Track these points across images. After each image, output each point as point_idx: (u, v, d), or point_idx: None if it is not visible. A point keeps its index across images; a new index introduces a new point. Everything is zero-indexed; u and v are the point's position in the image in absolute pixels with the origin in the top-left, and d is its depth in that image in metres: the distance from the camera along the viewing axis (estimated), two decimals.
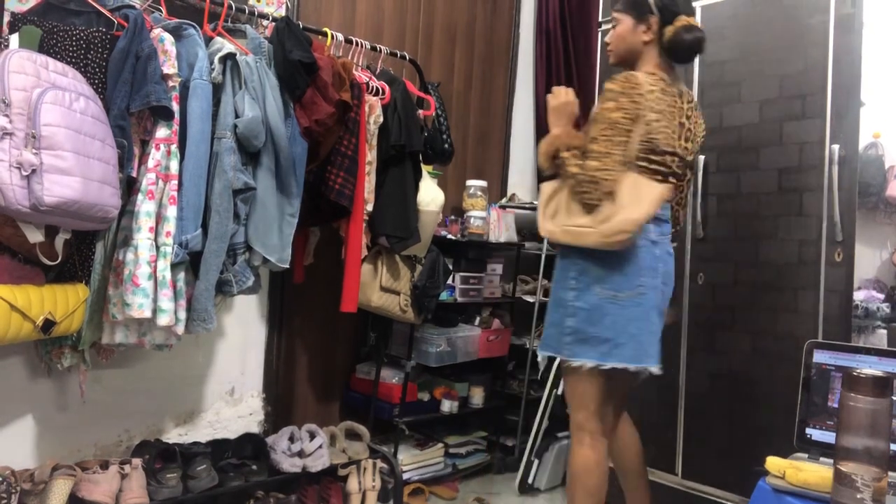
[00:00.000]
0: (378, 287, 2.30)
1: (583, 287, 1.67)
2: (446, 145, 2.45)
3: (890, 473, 1.12)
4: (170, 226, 1.67)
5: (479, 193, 2.88)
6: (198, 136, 1.72)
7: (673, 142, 1.68)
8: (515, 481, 2.76)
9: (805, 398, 1.58)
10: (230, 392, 2.36)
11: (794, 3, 2.09)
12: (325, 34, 2.18)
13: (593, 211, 1.61)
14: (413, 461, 2.59)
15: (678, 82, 1.77)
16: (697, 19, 2.34)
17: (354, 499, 2.27)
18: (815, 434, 1.55)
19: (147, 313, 1.61)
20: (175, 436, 2.19)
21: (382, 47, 2.38)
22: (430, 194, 2.36)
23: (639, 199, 1.59)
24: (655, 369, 1.66)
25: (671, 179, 1.70)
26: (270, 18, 2.03)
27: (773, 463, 1.43)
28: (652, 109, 1.63)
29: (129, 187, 1.67)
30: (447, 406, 2.73)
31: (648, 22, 1.71)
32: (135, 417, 2.11)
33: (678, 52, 1.73)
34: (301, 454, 2.15)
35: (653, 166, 1.66)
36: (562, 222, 1.68)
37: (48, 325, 1.52)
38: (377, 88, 2.22)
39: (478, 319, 2.93)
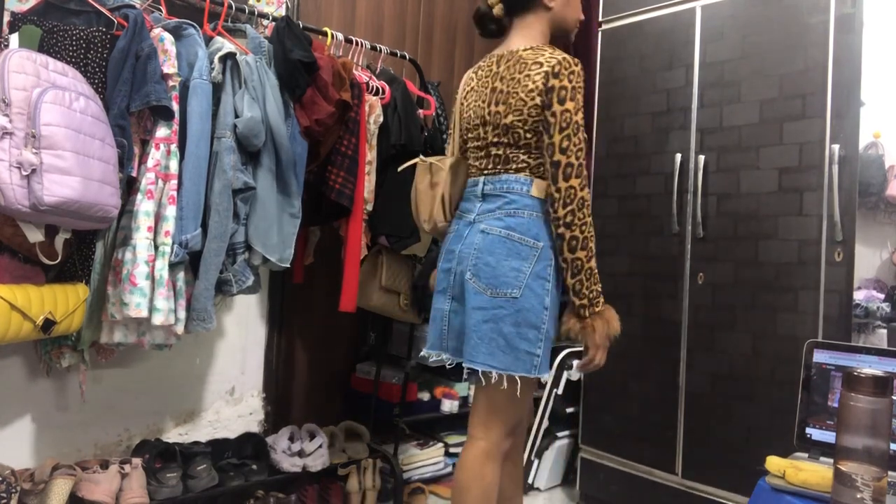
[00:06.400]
0: (378, 286, 2.30)
1: None
2: (446, 145, 2.45)
3: (890, 473, 1.12)
4: (168, 225, 1.67)
5: None
6: (197, 135, 1.72)
7: (482, 111, 1.63)
8: None
9: (805, 398, 1.58)
10: (230, 392, 2.36)
11: (794, 3, 2.09)
12: (325, 34, 2.18)
13: None
14: (413, 461, 2.59)
15: (510, 47, 1.67)
16: (697, 19, 2.35)
17: (354, 498, 2.27)
18: (815, 434, 1.55)
19: (144, 313, 1.61)
20: (175, 435, 2.19)
21: (382, 47, 2.38)
22: None
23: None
24: (427, 353, 1.69)
25: (494, 150, 1.61)
26: (270, 18, 2.03)
27: (772, 463, 1.43)
28: (462, 94, 1.74)
29: (129, 187, 1.67)
30: (447, 406, 2.73)
31: None
32: (135, 417, 2.11)
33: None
34: (301, 454, 2.15)
35: (473, 144, 1.68)
36: None
37: (48, 324, 1.52)
38: (377, 88, 2.22)
39: None
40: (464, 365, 1.56)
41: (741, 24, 2.21)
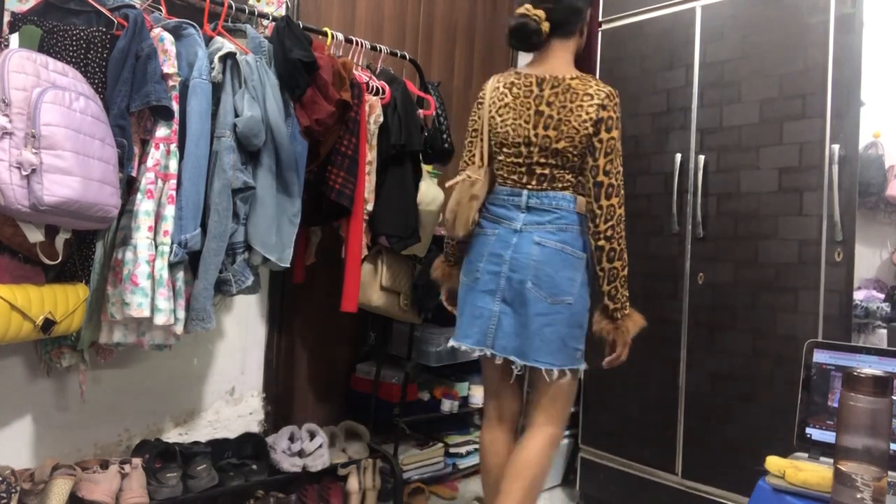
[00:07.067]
0: (378, 287, 2.30)
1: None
2: (446, 145, 2.45)
3: (890, 473, 1.12)
4: (168, 225, 1.67)
5: None
6: (197, 135, 1.72)
7: (526, 132, 1.75)
8: None
9: (805, 398, 1.58)
10: (230, 392, 2.36)
11: (794, 3, 2.09)
12: (325, 33, 2.17)
13: (451, 206, 1.81)
14: (413, 461, 2.59)
15: (550, 69, 1.76)
16: (697, 19, 2.35)
17: (354, 498, 2.27)
18: (815, 434, 1.55)
19: (146, 312, 1.61)
20: (175, 435, 2.19)
21: (382, 47, 2.38)
22: (430, 194, 2.36)
23: (450, 195, 1.82)
24: (469, 348, 1.78)
25: (539, 170, 1.76)
26: (270, 18, 2.03)
27: (773, 463, 1.43)
28: (493, 106, 1.79)
29: (129, 187, 1.67)
30: (447, 406, 2.73)
31: None
32: (135, 417, 2.11)
33: (508, 41, 1.82)
34: (301, 454, 2.15)
35: (510, 159, 1.78)
36: None
37: (48, 324, 1.52)
38: (377, 88, 2.22)
39: None
40: (525, 364, 1.72)
41: (741, 24, 2.21)
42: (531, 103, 1.75)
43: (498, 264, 1.75)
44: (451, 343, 1.85)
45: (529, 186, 1.77)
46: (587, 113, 1.70)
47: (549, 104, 1.73)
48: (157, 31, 1.69)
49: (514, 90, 1.77)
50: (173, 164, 1.68)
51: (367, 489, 2.30)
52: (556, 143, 1.72)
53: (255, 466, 2.04)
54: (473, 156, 1.86)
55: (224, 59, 1.78)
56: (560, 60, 1.79)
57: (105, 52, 1.60)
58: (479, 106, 1.85)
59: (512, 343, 1.74)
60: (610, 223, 1.70)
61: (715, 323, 2.24)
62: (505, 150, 1.79)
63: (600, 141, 1.70)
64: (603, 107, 1.70)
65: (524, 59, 3.36)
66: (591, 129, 1.70)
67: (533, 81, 1.76)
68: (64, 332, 1.61)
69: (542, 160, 1.74)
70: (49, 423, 1.93)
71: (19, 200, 1.33)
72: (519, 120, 1.75)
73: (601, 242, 1.71)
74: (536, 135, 1.73)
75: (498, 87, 1.81)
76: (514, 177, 1.78)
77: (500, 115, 1.78)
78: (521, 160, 1.77)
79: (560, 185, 1.75)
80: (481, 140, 1.84)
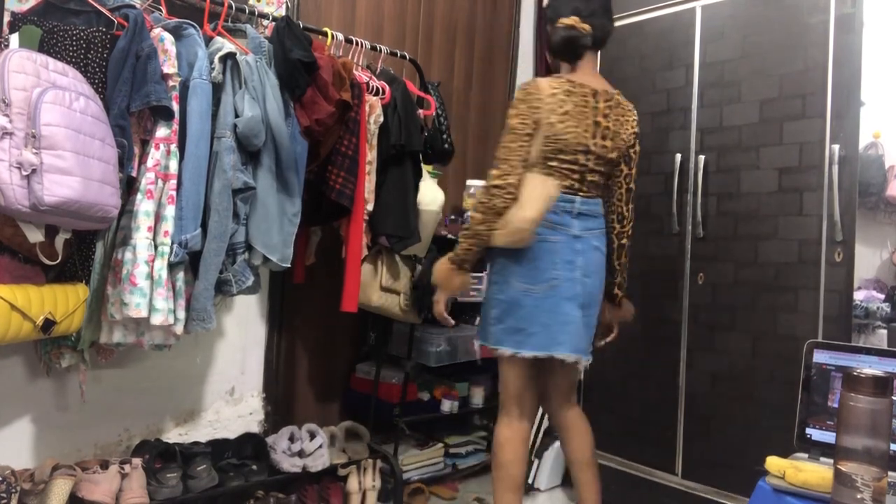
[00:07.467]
0: (378, 287, 2.30)
1: (503, 281, 1.83)
2: (446, 145, 2.45)
3: (890, 473, 1.12)
4: (168, 225, 1.67)
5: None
6: (197, 135, 1.71)
7: (585, 140, 1.80)
8: None
9: (805, 398, 1.58)
10: (230, 392, 2.36)
11: (794, 3, 2.09)
12: (325, 34, 2.17)
13: (488, 212, 1.75)
14: (413, 461, 2.59)
15: (594, 81, 1.87)
16: (697, 19, 2.35)
17: (354, 499, 2.27)
18: (815, 434, 1.55)
19: (144, 313, 1.61)
20: (175, 435, 2.19)
21: (382, 47, 2.38)
22: (430, 194, 2.36)
23: (532, 198, 1.75)
24: (566, 356, 1.78)
25: (590, 177, 1.83)
26: (270, 18, 2.03)
27: (773, 463, 1.43)
28: (553, 112, 1.76)
29: (129, 187, 1.66)
30: (447, 406, 2.73)
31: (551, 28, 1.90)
32: (135, 417, 2.11)
33: (554, 51, 1.89)
34: (301, 454, 2.15)
35: (564, 166, 1.80)
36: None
37: (48, 324, 1.52)
38: (377, 88, 2.22)
39: (478, 319, 2.92)
40: (575, 356, 1.80)
41: (741, 24, 2.21)
42: (589, 113, 1.81)
43: (572, 270, 1.79)
44: (534, 353, 1.78)
45: (581, 193, 1.83)
46: (632, 127, 1.90)
47: (605, 116, 1.83)
48: (157, 31, 1.69)
49: (573, 98, 1.79)
50: (173, 165, 1.68)
51: (367, 489, 2.30)
52: (611, 153, 1.85)
53: (255, 466, 2.04)
54: (524, 158, 1.77)
55: (224, 59, 1.78)
56: (596, 73, 1.92)
57: (105, 52, 1.59)
58: (535, 110, 1.77)
59: (583, 343, 1.84)
60: (631, 223, 1.95)
61: (715, 323, 2.24)
62: (561, 156, 1.79)
63: (636, 152, 1.92)
64: (638, 122, 1.92)
65: (523, 60, 3.39)
66: (632, 141, 1.90)
67: (588, 92, 1.82)
68: (64, 332, 1.61)
69: (595, 167, 1.83)
70: (49, 423, 1.92)
71: (19, 200, 1.33)
72: (579, 128, 1.79)
73: (624, 241, 1.94)
74: (595, 144, 1.81)
75: (555, 94, 1.78)
76: (567, 182, 1.81)
77: (561, 122, 1.77)
78: (576, 167, 1.80)
79: (599, 193, 1.88)
80: (532, 138, 1.78)
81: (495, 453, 1.90)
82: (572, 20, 1.82)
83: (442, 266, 1.87)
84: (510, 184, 1.73)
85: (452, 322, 2.04)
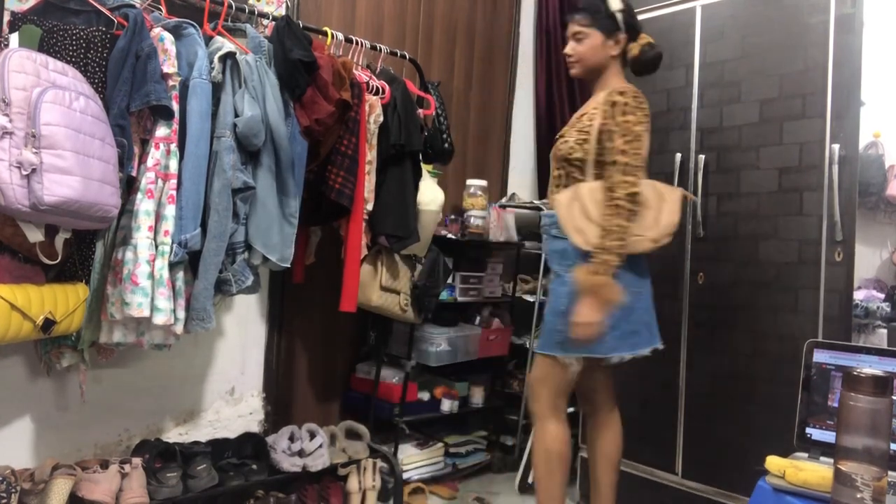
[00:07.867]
0: (378, 286, 2.30)
1: None
2: (446, 145, 2.45)
3: (890, 473, 1.12)
4: (168, 225, 1.67)
5: (479, 193, 2.87)
6: (197, 134, 1.71)
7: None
8: (515, 481, 2.76)
9: (805, 398, 1.58)
10: (230, 391, 2.36)
11: (794, 3, 2.09)
12: (325, 33, 2.17)
13: (632, 220, 1.71)
14: (413, 461, 2.59)
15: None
16: (697, 19, 2.35)
17: (354, 498, 2.27)
18: (815, 434, 1.55)
19: (146, 312, 1.61)
20: (175, 435, 2.19)
21: (382, 46, 2.38)
22: (430, 194, 2.36)
23: (669, 202, 1.81)
24: (660, 346, 1.86)
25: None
26: (270, 17, 2.03)
27: (773, 462, 1.43)
28: (650, 122, 1.82)
29: (129, 186, 1.66)
30: (447, 405, 2.73)
31: (617, 38, 1.88)
32: (135, 417, 2.11)
33: (641, 67, 1.92)
34: (301, 454, 2.15)
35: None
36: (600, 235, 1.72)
37: (48, 324, 1.52)
38: (377, 88, 2.22)
39: (478, 319, 2.93)
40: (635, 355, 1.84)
41: (741, 24, 2.21)
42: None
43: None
44: (648, 349, 1.84)
45: None
46: None
47: None
48: (157, 31, 1.69)
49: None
50: (173, 164, 1.68)
51: (367, 489, 2.30)
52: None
53: (255, 466, 2.04)
54: (641, 168, 1.78)
55: (224, 58, 1.78)
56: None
57: (105, 51, 1.59)
58: (648, 117, 1.82)
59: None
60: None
61: (715, 323, 2.24)
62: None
63: None
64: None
65: (523, 60, 3.39)
66: None
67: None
68: (64, 331, 1.61)
69: None
70: (49, 423, 1.92)
71: (19, 200, 1.33)
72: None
73: None
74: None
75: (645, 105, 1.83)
76: None
77: (648, 134, 1.81)
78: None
79: None
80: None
81: (549, 448, 1.87)
82: (650, 38, 1.90)
83: (597, 281, 1.70)
84: (640, 191, 1.74)
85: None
